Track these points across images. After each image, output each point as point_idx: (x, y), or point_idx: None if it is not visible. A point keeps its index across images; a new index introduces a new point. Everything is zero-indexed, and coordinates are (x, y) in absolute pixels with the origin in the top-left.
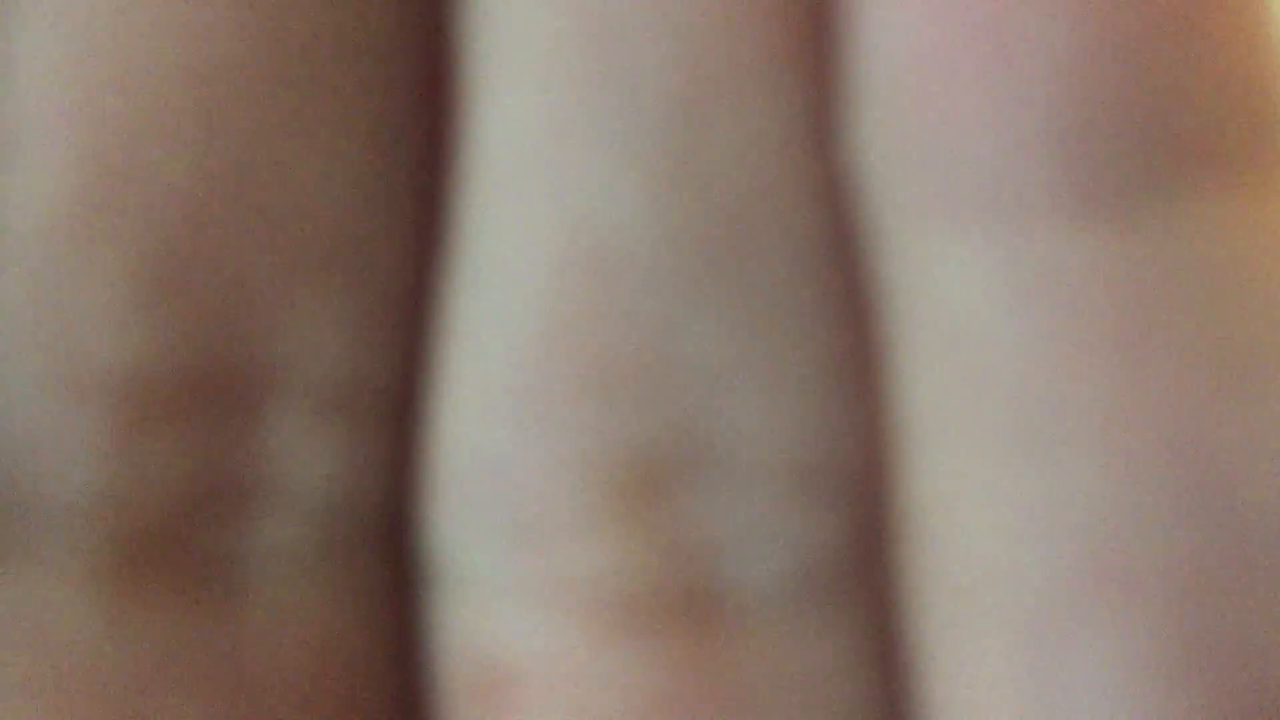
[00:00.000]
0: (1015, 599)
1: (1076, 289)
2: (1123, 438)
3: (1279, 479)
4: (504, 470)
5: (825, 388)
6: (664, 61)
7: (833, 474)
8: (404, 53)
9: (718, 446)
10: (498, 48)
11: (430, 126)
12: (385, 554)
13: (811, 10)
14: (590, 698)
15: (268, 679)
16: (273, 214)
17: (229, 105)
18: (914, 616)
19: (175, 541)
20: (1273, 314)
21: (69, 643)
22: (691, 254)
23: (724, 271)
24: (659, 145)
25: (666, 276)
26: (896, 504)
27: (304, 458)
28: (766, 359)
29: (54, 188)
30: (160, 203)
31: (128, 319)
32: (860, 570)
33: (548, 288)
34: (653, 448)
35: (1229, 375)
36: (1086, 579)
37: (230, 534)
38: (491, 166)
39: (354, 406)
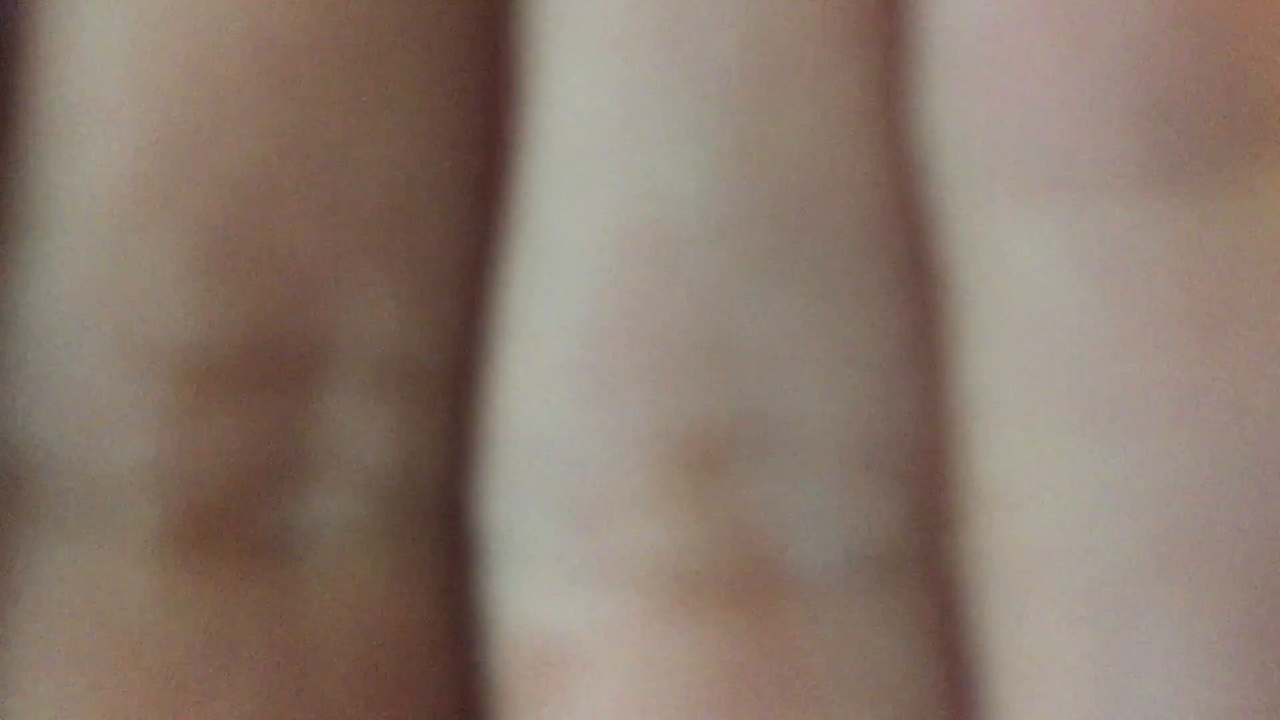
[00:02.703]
0: (1085, 581)
1: (1152, 265)
2: (1198, 417)
3: None
4: (564, 448)
5: (889, 367)
6: (732, 37)
7: (895, 454)
8: (467, 30)
9: (779, 426)
10: (563, 25)
11: (492, 104)
12: (441, 530)
13: None
14: (647, 675)
15: (323, 653)
16: (334, 191)
17: (292, 82)
18: (976, 598)
19: (233, 515)
20: None
21: (128, 614)
22: (757, 232)
23: (789, 249)
24: (726, 122)
25: (731, 254)
26: (959, 485)
27: (360, 433)
28: (830, 338)
29: (120, 163)
30: (224, 179)
31: (190, 293)
32: (921, 551)
33: (610, 265)
34: (714, 426)
35: None
36: (1159, 561)
37: (287, 508)
38: (555, 144)
39: (410, 383)
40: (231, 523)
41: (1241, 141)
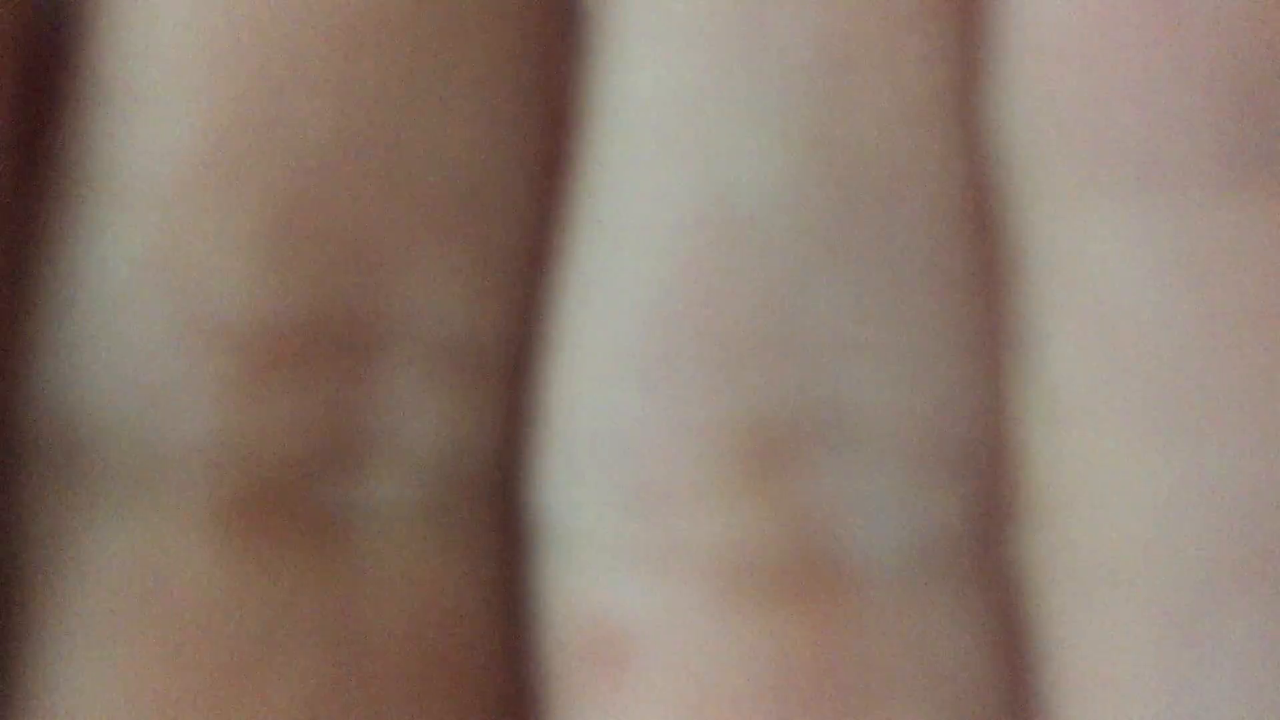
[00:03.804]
0: (1159, 583)
1: (1234, 264)
2: (1277, 420)
3: None
4: (625, 434)
5: (957, 361)
6: (808, 25)
7: (959, 448)
8: (535, 7)
9: (845, 418)
10: (636, 5)
11: (560, 84)
12: (498, 514)
13: None
14: (705, 665)
15: (377, 634)
16: (399, 168)
17: (360, 55)
18: (1041, 597)
19: (290, 493)
20: None
21: (184, 590)
22: (828, 221)
23: (859, 240)
24: (800, 110)
25: (801, 244)
26: (1025, 482)
27: (418, 414)
28: (899, 331)
29: (186, 136)
30: (289, 154)
31: (253, 268)
32: (985, 548)
33: (679, 251)
34: (779, 416)
35: None
36: (1235, 565)
37: (344, 488)
38: (624, 126)
39: (470, 364)
40: (288, 501)
41: None
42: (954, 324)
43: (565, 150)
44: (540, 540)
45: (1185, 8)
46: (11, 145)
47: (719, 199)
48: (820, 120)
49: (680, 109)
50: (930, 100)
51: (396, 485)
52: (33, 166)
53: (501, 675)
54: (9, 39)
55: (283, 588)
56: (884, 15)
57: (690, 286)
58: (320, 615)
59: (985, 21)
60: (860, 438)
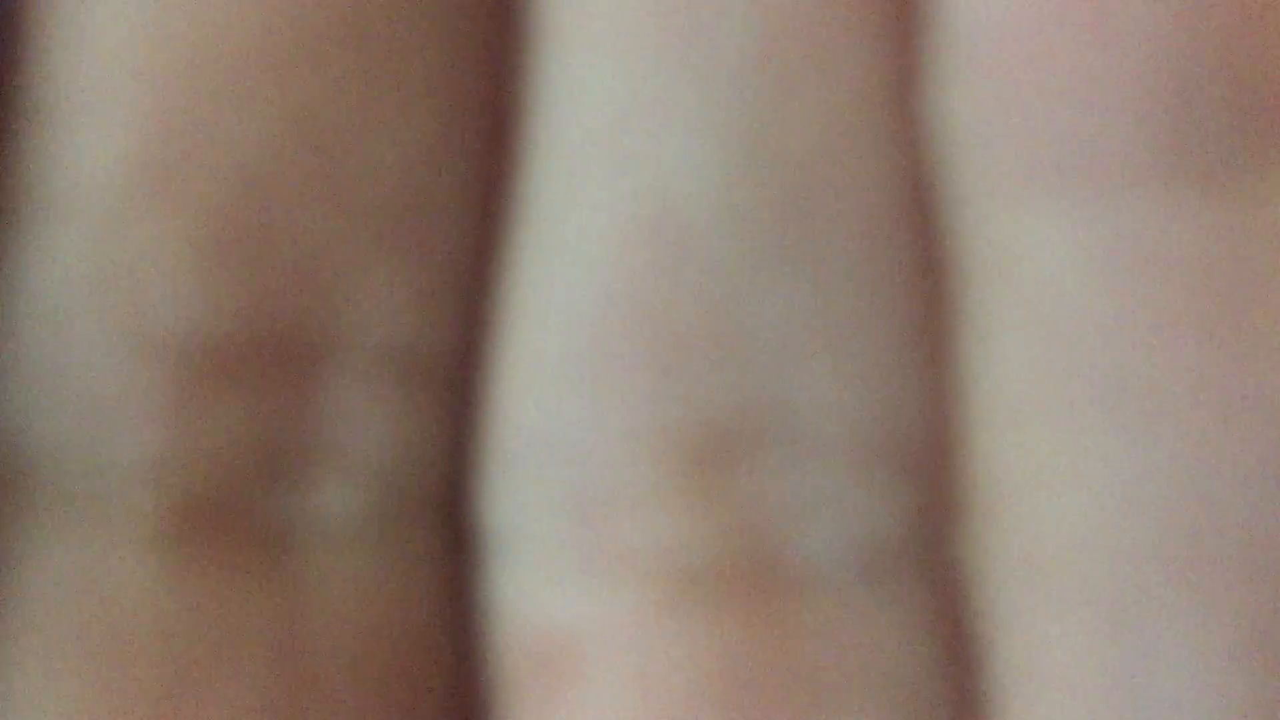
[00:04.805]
0: (1098, 579)
1: (1171, 259)
2: (1215, 413)
3: None
4: (569, 440)
5: (898, 361)
6: (743, 26)
7: (902, 448)
8: (475, 17)
9: (785, 419)
10: (573, 14)
11: (500, 93)
12: (443, 523)
13: None
14: (652, 670)
15: (324, 646)
16: (338, 178)
17: (297, 67)
18: (984, 594)
19: (234, 506)
20: None
21: (129, 606)
22: (765, 224)
23: (797, 242)
24: (736, 113)
25: (739, 246)
26: (968, 480)
27: (362, 424)
28: (838, 331)
29: (120, 146)
30: (226, 165)
31: (191, 280)
32: (928, 547)
33: (615, 257)
34: (719, 420)
35: None
36: (1174, 560)
37: (288, 499)
38: (562, 133)
39: (413, 374)
40: (232, 514)
41: (1261, 136)
42: (896, 325)
43: (507, 159)
44: (487, 549)
45: (1118, 11)
46: None
47: (656, 203)
48: (757, 125)
49: (618, 117)
50: (868, 102)
51: (342, 496)
52: None
53: (450, 685)
54: None
55: (228, 602)
56: (820, 19)
57: (631, 293)
58: (266, 629)
59: (922, 23)
60: (803, 440)
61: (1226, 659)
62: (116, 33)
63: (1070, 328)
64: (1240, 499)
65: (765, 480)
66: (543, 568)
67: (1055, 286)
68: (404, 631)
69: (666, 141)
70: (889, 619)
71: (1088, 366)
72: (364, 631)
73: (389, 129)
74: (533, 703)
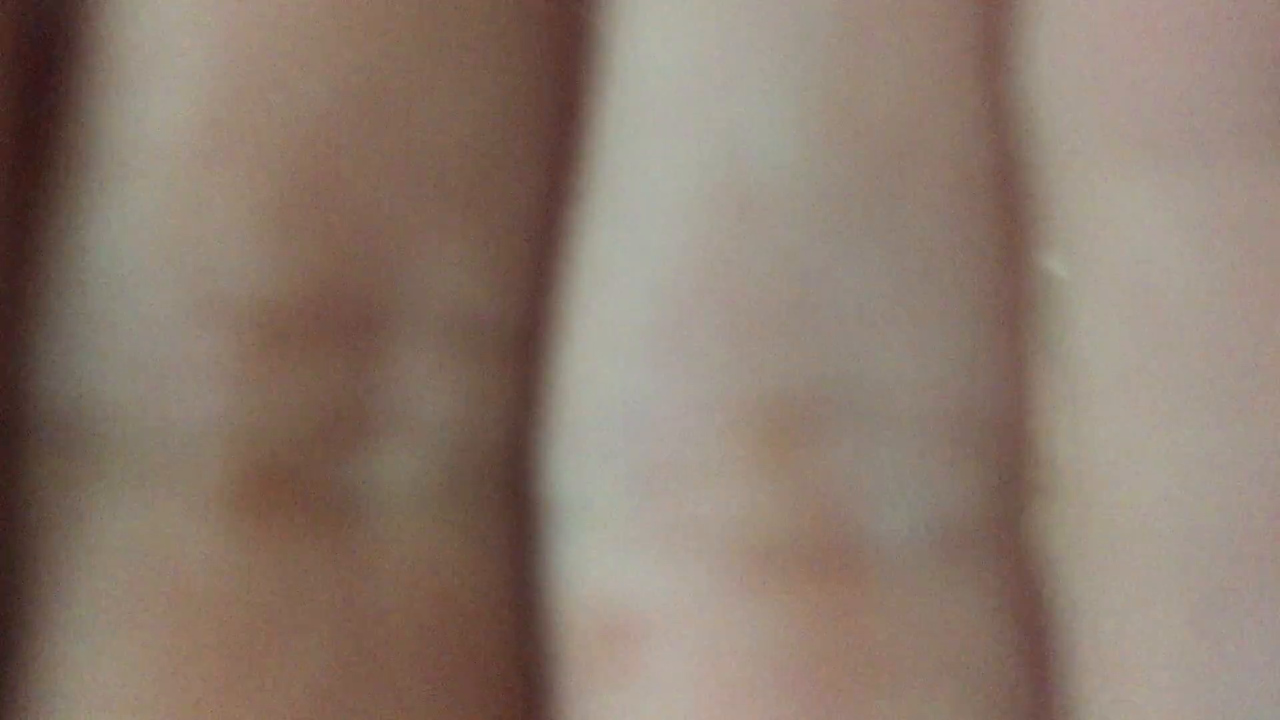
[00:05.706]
0: (1185, 565)
1: (1269, 234)
2: None
3: None
4: (639, 411)
5: (977, 336)
6: None
7: (981, 426)
8: None
9: (863, 393)
10: None
11: (570, 54)
12: (507, 493)
13: None
14: (719, 646)
15: (389, 614)
16: (406, 143)
17: (365, 29)
18: (1063, 577)
19: (298, 472)
20: None
21: (193, 572)
22: (846, 192)
23: (879, 211)
24: (818, 77)
25: (818, 215)
26: (1049, 458)
27: (428, 391)
28: (919, 304)
29: (186, 109)
30: (293, 127)
31: (257, 245)
32: (1006, 527)
33: (692, 224)
34: (795, 393)
35: None
36: (1265, 543)
37: (352, 467)
38: (637, 97)
39: (479, 342)
40: (298, 481)
41: None
42: (977, 298)
43: (577, 123)
44: (552, 520)
45: None
46: (13, 125)
47: (734, 170)
48: (838, 88)
49: (694, 79)
50: (953, 67)
51: (407, 465)
52: (36, 146)
53: (513, 657)
54: (8, 17)
55: (293, 568)
56: None
57: (705, 260)
58: (331, 596)
59: None
60: (879, 413)
61: None
62: None
63: (1164, 301)
64: None
65: (840, 456)
66: (610, 540)
67: (1150, 258)
68: (468, 600)
69: (743, 103)
70: (964, 601)
71: (1182, 342)
72: (428, 599)
73: (457, 93)
74: (598, 675)
